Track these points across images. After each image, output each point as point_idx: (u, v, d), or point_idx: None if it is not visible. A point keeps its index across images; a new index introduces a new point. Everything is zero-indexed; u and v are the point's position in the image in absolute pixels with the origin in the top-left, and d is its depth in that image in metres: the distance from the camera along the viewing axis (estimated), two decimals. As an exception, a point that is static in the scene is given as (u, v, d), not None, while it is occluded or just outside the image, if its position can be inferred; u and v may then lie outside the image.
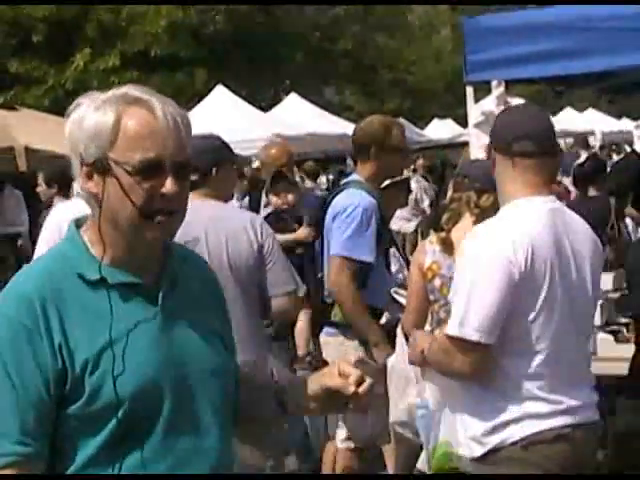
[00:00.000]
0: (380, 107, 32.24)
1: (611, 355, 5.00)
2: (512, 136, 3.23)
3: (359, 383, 2.15)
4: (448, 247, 4.21)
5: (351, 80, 29.96)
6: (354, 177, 5.11)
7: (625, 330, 5.30)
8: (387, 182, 5.31)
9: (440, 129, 27.77)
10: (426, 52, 34.77)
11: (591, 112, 32.28)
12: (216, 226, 4.07)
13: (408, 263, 5.34)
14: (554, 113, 32.28)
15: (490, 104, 5.48)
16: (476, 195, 4.23)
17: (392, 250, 5.35)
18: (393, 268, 5.25)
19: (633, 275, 4.64)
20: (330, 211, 4.90)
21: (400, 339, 4.61)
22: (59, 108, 19.62)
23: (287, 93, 22.02)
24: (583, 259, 3.27)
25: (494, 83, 5.46)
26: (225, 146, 4.35)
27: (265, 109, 20.09)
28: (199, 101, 17.24)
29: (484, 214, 4.14)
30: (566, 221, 3.29)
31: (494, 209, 4.24)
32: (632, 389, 4.57)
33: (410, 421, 4.54)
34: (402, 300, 4.98)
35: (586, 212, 5.37)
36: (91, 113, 2.06)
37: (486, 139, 5.48)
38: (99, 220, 2.09)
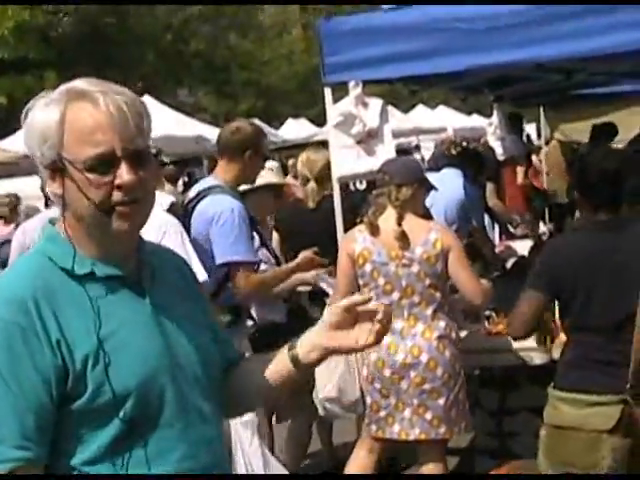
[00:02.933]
0: (234, 107, 32.23)
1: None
2: None
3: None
4: (377, 235, 4.71)
5: (205, 81, 29.82)
6: (213, 181, 5.06)
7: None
8: (257, 185, 5.42)
9: (295, 129, 27.89)
10: (278, 52, 34.87)
11: (442, 109, 32.99)
12: None
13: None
14: (406, 111, 32.96)
15: (348, 105, 5.52)
16: (395, 189, 4.75)
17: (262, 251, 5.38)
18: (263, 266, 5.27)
19: None
20: (198, 218, 4.88)
21: None
22: None
23: (140, 95, 21.70)
24: None
25: (351, 84, 5.51)
26: None
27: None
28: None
29: (404, 205, 4.75)
30: None
31: (413, 201, 4.56)
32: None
33: (339, 397, 4.84)
34: (324, 285, 5.32)
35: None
36: (38, 114, 2.03)
37: (345, 139, 5.59)
38: (64, 219, 2.08)
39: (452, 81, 7.60)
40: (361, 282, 4.74)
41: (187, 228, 4.83)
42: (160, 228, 4.36)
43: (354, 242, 4.76)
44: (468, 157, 8.17)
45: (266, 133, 5.34)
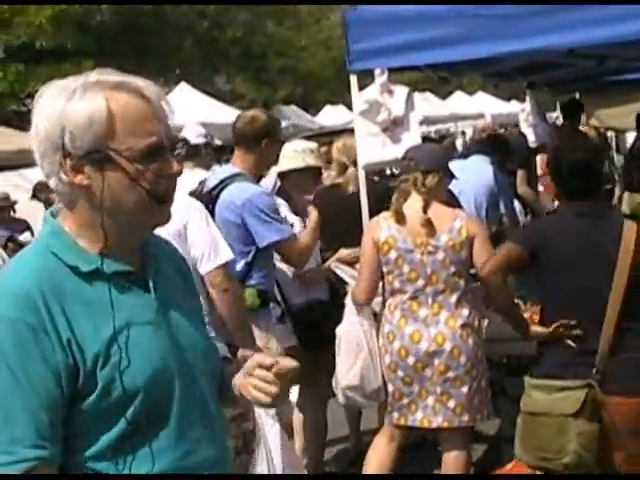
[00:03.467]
0: (272, 94, 32.23)
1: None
2: None
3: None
4: (402, 222, 4.69)
5: (242, 68, 29.82)
6: (233, 169, 5.12)
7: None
8: (297, 167, 5.60)
9: (332, 115, 27.87)
10: (315, 38, 34.77)
11: (481, 95, 32.82)
12: None
13: None
14: (444, 97, 32.82)
15: (374, 92, 5.52)
16: (422, 176, 4.73)
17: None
18: None
19: None
20: (224, 204, 4.96)
21: (349, 307, 4.91)
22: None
23: (176, 82, 21.80)
24: None
25: (377, 71, 5.51)
26: None
27: (155, 99, 19.82)
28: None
29: (430, 192, 4.72)
30: None
31: (438, 188, 4.58)
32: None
33: (361, 385, 4.81)
34: (341, 273, 5.38)
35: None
36: (76, 103, 1.97)
37: (371, 126, 5.59)
38: (73, 212, 2.05)
39: (483, 67, 7.57)
40: (385, 269, 4.75)
41: (212, 214, 4.88)
42: (186, 212, 4.39)
43: (379, 229, 4.75)
44: (496, 143, 8.09)
45: (280, 120, 5.36)
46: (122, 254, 2.08)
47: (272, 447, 4.47)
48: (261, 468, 4.58)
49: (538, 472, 4.11)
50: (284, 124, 22.12)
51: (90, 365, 1.96)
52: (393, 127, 5.58)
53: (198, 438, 2.12)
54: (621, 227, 3.95)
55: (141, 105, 2.01)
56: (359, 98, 5.60)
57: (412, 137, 5.56)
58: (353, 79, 5.64)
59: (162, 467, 2.04)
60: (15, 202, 11.02)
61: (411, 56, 5.59)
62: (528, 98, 9.82)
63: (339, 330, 4.91)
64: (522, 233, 4.32)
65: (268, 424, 4.52)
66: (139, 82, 2.04)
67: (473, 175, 7.01)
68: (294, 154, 5.72)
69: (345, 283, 5.35)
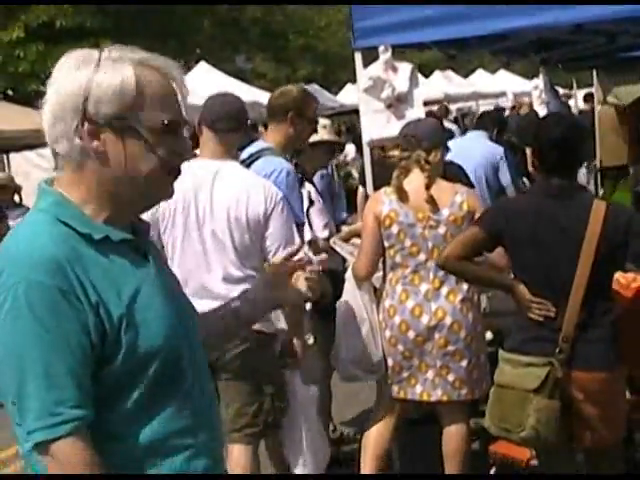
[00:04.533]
0: (292, 74, 32.19)
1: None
2: None
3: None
4: (404, 197, 4.72)
5: (262, 47, 29.80)
6: (263, 144, 5.20)
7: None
8: (310, 141, 5.59)
9: (353, 94, 27.77)
10: (335, 18, 34.65)
11: (503, 73, 32.62)
12: None
13: None
14: (466, 75, 32.65)
15: (378, 69, 5.54)
16: (425, 153, 4.78)
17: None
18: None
19: None
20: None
21: (350, 282, 4.94)
22: (-36, 82, 19.32)
23: (196, 62, 21.83)
24: None
25: (381, 48, 5.52)
26: None
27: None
28: (106, 72, 16.94)
29: (434, 169, 4.79)
30: None
31: (440, 163, 4.64)
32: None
33: (362, 358, 4.84)
34: (340, 250, 5.38)
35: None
36: (105, 72, 2.07)
37: (375, 103, 5.62)
38: (80, 179, 2.12)
39: (492, 44, 7.54)
40: (387, 244, 4.78)
41: None
42: (266, 200, 4.40)
43: (381, 204, 4.78)
44: (489, 119, 8.39)
45: (315, 97, 5.43)
46: (123, 224, 2.18)
47: (309, 411, 4.64)
48: (292, 442, 4.71)
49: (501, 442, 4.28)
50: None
51: (116, 327, 2.04)
52: (397, 104, 5.59)
53: (205, 397, 2.25)
54: (590, 208, 3.96)
55: (164, 82, 2.13)
56: (363, 75, 5.62)
57: (416, 113, 5.58)
58: (358, 56, 5.67)
59: (178, 426, 2.14)
60: (19, 188, 10.65)
61: (416, 33, 5.60)
62: (541, 75, 9.80)
63: (339, 304, 4.96)
64: (486, 216, 4.32)
65: (305, 403, 4.66)
66: (161, 60, 2.15)
67: (471, 149, 7.22)
68: None
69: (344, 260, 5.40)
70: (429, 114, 10.49)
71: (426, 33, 5.62)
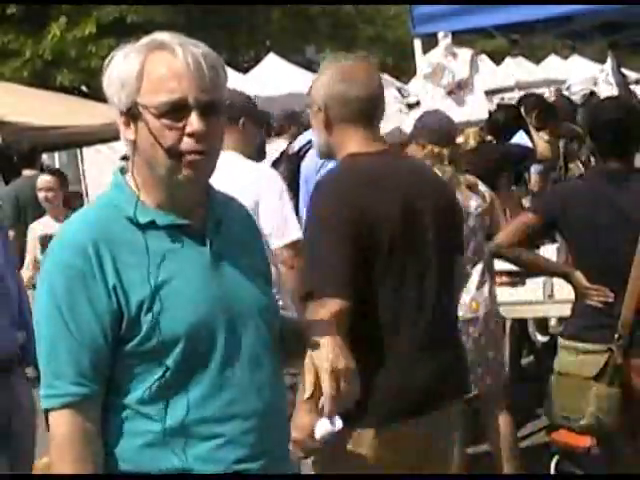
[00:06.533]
0: (363, 64, 31.97)
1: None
2: None
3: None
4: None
5: (331, 38, 29.74)
6: None
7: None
8: None
9: (424, 83, 27.56)
10: (405, 7, 34.43)
11: (575, 58, 32.08)
12: None
13: None
14: (538, 61, 32.20)
15: (438, 55, 5.53)
16: (453, 147, 4.77)
17: None
18: None
19: None
20: (310, 163, 5.16)
21: None
22: (38, 79, 19.59)
23: (265, 54, 21.91)
24: None
25: (441, 35, 5.51)
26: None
27: (246, 71, 20.01)
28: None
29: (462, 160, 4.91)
30: None
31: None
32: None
33: None
34: None
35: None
36: (119, 64, 2.14)
37: (434, 90, 5.60)
38: (134, 166, 2.19)
39: (557, 27, 7.44)
40: None
41: (297, 172, 4.99)
42: (260, 184, 4.37)
43: None
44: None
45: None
46: (180, 209, 2.18)
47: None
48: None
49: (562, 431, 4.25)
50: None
51: (134, 311, 2.09)
52: (458, 90, 5.57)
53: (245, 388, 2.19)
54: None
55: (171, 64, 2.09)
56: (423, 62, 5.60)
57: (477, 99, 5.55)
58: (417, 43, 5.66)
59: (202, 414, 2.13)
60: (66, 189, 10.00)
61: (475, 18, 5.58)
62: (609, 59, 9.65)
63: None
64: (541, 201, 4.32)
65: None
66: (179, 42, 2.11)
67: None
68: None
69: None
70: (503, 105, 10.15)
71: (486, 17, 5.59)
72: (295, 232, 4.33)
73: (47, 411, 2.11)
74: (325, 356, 2.24)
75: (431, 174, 3.40)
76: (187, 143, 2.10)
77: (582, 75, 26.59)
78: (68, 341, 2.08)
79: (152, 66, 2.11)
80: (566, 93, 11.55)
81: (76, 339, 2.08)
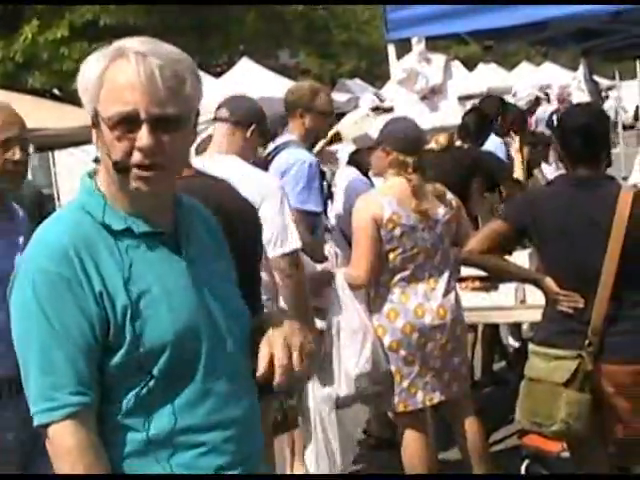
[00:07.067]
0: (336, 68, 32.15)
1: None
2: None
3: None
4: (404, 199, 4.62)
5: (305, 42, 29.77)
6: (289, 137, 5.34)
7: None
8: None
9: (397, 88, 27.62)
10: (379, 11, 34.51)
11: (548, 66, 32.26)
12: None
13: None
14: (511, 68, 32.37)
15: (411, 61, 5.54)
16: (418, 156, 4.69)
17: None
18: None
19: None
20: (273, 169, 5.12)
21: (346, 294, 4.68)
22: (9, 82, 19.44)
23: (239, 57, 21.90)
24: None
25: (414, 40, 5.52)
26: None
27: (219, 75, 19.98)
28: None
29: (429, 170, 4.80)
30: None
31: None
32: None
33: (373, 370, 4.66)
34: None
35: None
36: (86, 68, 2.08)
37: (408, 96, 5.62)
38: (100, 171, 2.15)
39: (529, 34, 7.47)
40: (387, 247, 4.62)
41: None
42: (260, 192, 4.35)
43: (379, 207, 4.63)
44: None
45: (328, 94, 5.54)
46: (151, 215, 2.14)
47: (330, 435, 4.60)
48: (314, 446, 4.68)
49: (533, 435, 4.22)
50: (348, 97, 22.10)
51: (120, 318, 2.04)
52: (431, 95, 5.60)
53: (225, 396, 2.17)
54: (617, 197, 3.89)
55: (127, 74, 2.02)
56: (397, 67, 5.62)
57: (450, 105, 5.58)
58: (391, 48, 5.67)
59: (187, 423, 2.11)
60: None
61: (450, 24, 5.59)
62: (582, 66, 9.71)
63: (339, 320, 4.70)
64: (511, 208, 4.33)
65: (326, 412, 4.62)
66: (142, 50, 2.04)
67: None
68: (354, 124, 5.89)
69: None
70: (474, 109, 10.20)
71: (459, 24, 5.60)
72: (294, 242, 4.34)
73: (46, 426, 2.01)
74: (281, 333, 2.24)
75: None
76: (136, 157, 2.04)
77: (557, 83, 26.75)
78: (64, 349, 2.00)
79: (112, 74, 2.04)
80: (512, 100, 11.56)
81: (71, 346, 2.01)
